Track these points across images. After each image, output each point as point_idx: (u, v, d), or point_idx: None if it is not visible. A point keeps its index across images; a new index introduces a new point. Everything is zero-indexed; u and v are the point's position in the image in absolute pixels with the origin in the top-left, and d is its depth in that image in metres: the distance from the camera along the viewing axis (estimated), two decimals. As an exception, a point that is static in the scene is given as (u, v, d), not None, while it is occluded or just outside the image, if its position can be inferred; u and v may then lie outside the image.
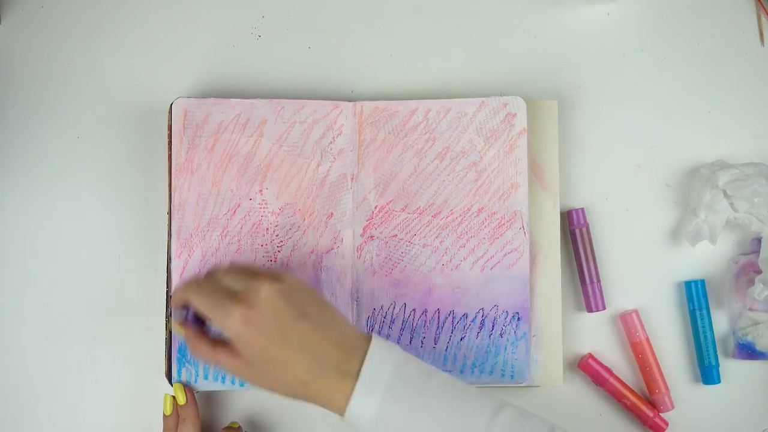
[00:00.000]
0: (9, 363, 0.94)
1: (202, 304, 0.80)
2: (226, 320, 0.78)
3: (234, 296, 0.79)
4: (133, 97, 0.97)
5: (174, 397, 0.91)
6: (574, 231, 0.95)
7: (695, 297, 0.95)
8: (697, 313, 0.95)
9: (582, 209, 0.95)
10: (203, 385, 0.91)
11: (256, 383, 0.80)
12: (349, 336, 0.80)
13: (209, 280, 0.82)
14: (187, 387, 0.91)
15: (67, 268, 0.95)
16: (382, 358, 0.78)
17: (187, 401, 0.90)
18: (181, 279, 0.92)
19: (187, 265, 0.91)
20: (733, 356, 0.96)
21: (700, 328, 0.95)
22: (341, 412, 0.78)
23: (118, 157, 0.96)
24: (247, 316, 0.78)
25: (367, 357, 0.78)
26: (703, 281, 0.96)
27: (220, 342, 0.81)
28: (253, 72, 0.97)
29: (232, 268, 0.84)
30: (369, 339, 0.79)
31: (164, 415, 0.91)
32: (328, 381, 0.78)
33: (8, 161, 0.95)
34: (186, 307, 0.85)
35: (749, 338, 0.94)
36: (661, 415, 0.95)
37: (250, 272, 0.82)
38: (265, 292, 0.78)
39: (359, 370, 0.77)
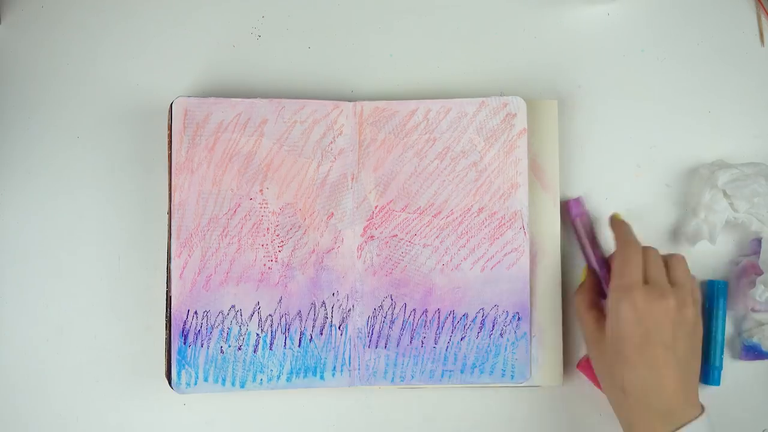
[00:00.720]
0: (8, 363, 0.94)
1: (651, 269, 0.86)
2: (630, 292, 0.83)
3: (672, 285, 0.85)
4: (133, 97, 0.97)
5: None
6: (575, 220, 0.95)
7: (715, 297, 0.95)
8: (714, 312, 0.95)
9: (579, 197, 0.95)
10: (203, 387, 0.91)
11: (598, 360, 0.87)
12: (692, 390, 0.83)
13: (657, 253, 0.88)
14: None
15: (67, 268, 0.95)
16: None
17: None
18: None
19: (187, 264, 0.91)
20: (740, 357, 0.96)
21: (713, 329, 0.95)
22: None
23: (118, 157, 0.96)
24: (668, 307, 0.82)
25: (698, 420, 0.81)
26: (725, 283, 0.96)
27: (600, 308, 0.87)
28: (253, 72, 0.97)
29: (677, 259, 0.88)
30: (701, 410, 0.83)
31: None
32: (647, 410, 0.82)
33: (8, 161, 0.95)
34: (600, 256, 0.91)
35: (755, 339, 0.94)
36: (662, 415, 0.95)
37: (689, 277, 0.87)
38: (693, 311, 0.84)
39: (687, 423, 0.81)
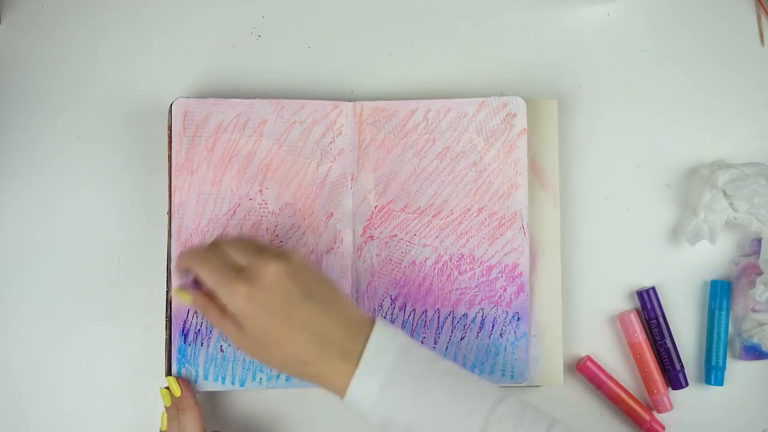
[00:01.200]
0: (8, 363, 0.94)
1: (207, 278, 0.80)
2: (231, 297, 0.78)
3: (239, 273, 0.78)
4: (133, 97, 0.97)
5: (168, 388, 0.91)
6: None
7: (718, 297, 0.96)
8: (716, 312, 0.95)
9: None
10: (203, 385, 0.91)
11: (258, 359, 0.80)
12: (353, 318, 0.79)
13: (214, 252, 0.82)
14: (181, 379, 0.91)
15: (67, 268, 0.95)
16: (386, 341, 0.77)
17: (182, 393, 0.90)
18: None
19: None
20: (740, 357, 0.96)
21: (716, 329, 0.95)
22: (341, 393, 0.77)
23: (119, 157, 0.96)
24: (253, 295, 0.77)
25: (371, 339, 0.77)
26: (728, 283, 0.96)
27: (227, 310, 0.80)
28: (253, 72, 0.97)
29: (238, 241, 0.83)
30: (373, 322, 0.79)
31: (166, 407, 0.91)
32: (329, 362, 0.77)
33: (8, 161, 0.95)
34: (188, 272, 0.85)
35: (755, 340, 0.94)
36: (661, 414, 0.95)
37: (256, 248, 0.81)
38: (272, 271, 0.78)
39: (362, 352, 0.77)
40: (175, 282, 0.87)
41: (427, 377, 0.76)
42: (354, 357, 0.77)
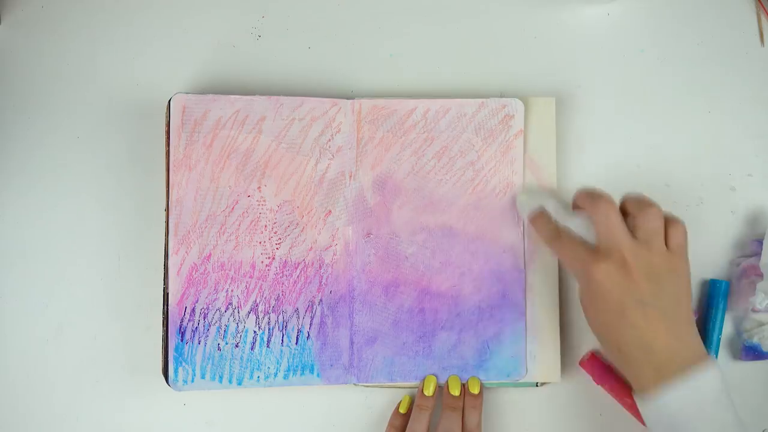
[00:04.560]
0: (8, 363, 0.95)
1: (561, 245, 0.87)
2: (590, 271, 0.83)
3: (606, 250, 0.83)
4: (133, 97, 0.97)
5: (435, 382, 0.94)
6: None
7: (716, 297, 0.96)
8: (712, 311, 0.95)
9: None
10: (200, 384, 0.91)
11: (585, 310, 0.85)
12: (689, 340, 0.82)
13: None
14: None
15: (67, 268, 0.95)
16: (711, 380, 0.80)
17: (460, 393, 0.93)
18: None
19: (185, 261, 0.91)
20: (740, 358, 0.96)
21: (711, 329, 0.95)
22: (645, 391, 0.82)
23: (119, 157, 0.96)
24: (610, 273, 0.82)
25: (704, 367, 0.80)
26: (728, 283, 0.96)
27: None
28: (253, 72, 0.97)
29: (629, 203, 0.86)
30: (706, 356, 0.82)
31: (424, 394, 0.93)
32: (645, 365, 0.81)
33: (8, 161, 0.95)
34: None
35: (755, 340, 0.94)
36: (661, 415, 0.95)
37: (652, 218, 0.84)
38: (636, 263, 0.82)
39: (688, 372, 0.80)
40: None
41: (725, 425, 0.79)
42: (675, 370, 0.80)
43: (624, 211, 0.85)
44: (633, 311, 0.81)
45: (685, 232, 0.85)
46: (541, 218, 0.90)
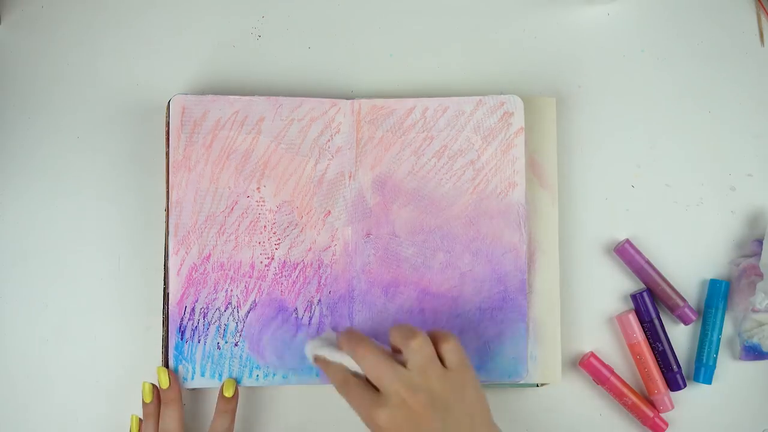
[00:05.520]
0: (8, 363, 0.94)
1: (347, 390, 0.83)
2: (371, 418, 0.80)
3: (381, 394, 0.80)
4: (134, 97, 0.97)
5: (153, 385, 0.91)
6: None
7: (716, 297, 0.96)
8: (712, 311, 0.95)
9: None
10: (199, 382, 0.91)
11: None
12: None
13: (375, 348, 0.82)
14: (171, 371, 0.91)
15: (67, 268, 0.95)
16: None
17: (170, 384, 0.90)
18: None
19: (184, 261, 0.91)
20: (740, 358, 0.96)
21: (710, 328, 0.95)
22: None
23: (119, 157, 0.96)
24: (393, 417, 0.79)
25: None
26: (727, 283, 0.96)
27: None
28: (253, 72, 0.97)
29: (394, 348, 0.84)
30: None
31: (144, 402, 0.91)
32: None
33: (8, 161, 0.95)
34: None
35: (755, 340, 0.94)
36: (662, 415, 0.94)
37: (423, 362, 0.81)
38: (416, 399, 0.79)
39: None
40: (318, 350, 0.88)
41: None
42: None
43: (394, 347, 0.83)
44: None
45: (457, 345, 0.82)
46: (329, 363, 0.86)
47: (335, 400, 0.92)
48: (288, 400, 0.95)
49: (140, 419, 0.92)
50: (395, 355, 0.82)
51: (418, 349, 0.80)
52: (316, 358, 0.87)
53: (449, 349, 0.82)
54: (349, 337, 0.84)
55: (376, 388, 0.81)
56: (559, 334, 0.93)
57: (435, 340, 0.82)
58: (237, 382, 0.91)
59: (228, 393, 0.91)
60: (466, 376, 0.82)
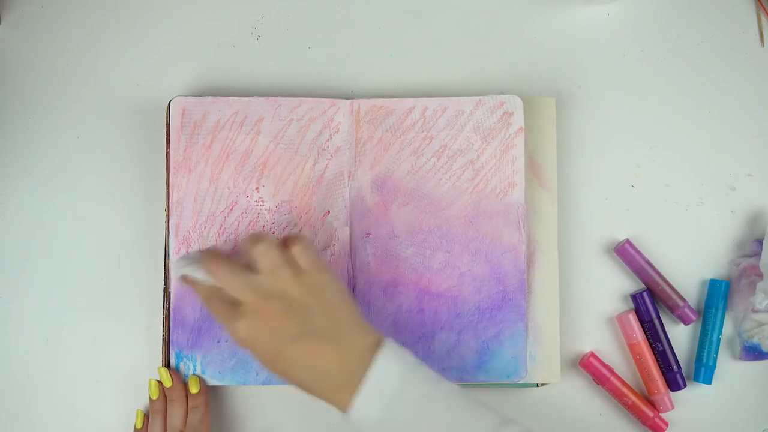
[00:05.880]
0: (8, 363, 0.95)
1: (210, 307, 0.82)
2: (231, 332, 0.79)
3: (239, 305, 0.79)
4: (134, 97, 0.97)
5: (159, 381, 0.92)
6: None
7: (716, 297, 0.96)
8: (712, 311, 0.95)
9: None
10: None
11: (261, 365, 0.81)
12: (357, 344, 0.79)
13: (220, 272, 0.81)
14: (172, 370, 0.91)
15: (67, 268, 0.95)
16: (392, 361, 0.77)
17: (173, 383, 0.91)
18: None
19: (185, 261, 0.91)
20: (740, 358, 0.96)
21: (710, 328, 0.95)
22: (344, 410, 0.77)
23: (119, 157, 0.96)
24: (251, 326, 0.78)
25: (377, 359, 0.77)
26: (727, 283, 0.96)
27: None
28: (253, 72, 0.97)
29: (239, 260, 0.83)
30: (381, 341, 0.79)
31: (151, 399, 0.92)
32: (330, 388, 0.78)
33: (8, 161, 0.96)
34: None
35: (755, 340, 0.94)
36: (662, 415, 0.94)
37: (267, 271, 0.80)
38: (269, 308, 0.78)
39: (367, 370, 0.76)
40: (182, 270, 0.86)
41: (432, 398, 0.76)
42: (359, 376, 0.76)
43: (245, 256, 0.83)
44: (290, 351, 0.78)
45: (307, 246, 0.82)
46: (195, 281, 0.85)
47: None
48: (288, 398, 0.95)
49: (146, 415, 0.93)
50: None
51: (264, 253, 0.80)
52: (183, 277, 0.86)
53: (300, 251, 0.81)
54: (209, 254, 0.83)
55: (235, 303, 0.80)
56: (558, 334, 0.93)
57: (285, 244, 0.82)
58: (234, 381, 0.92)
59: (193, 389, 0.91)
60: (321, 275, 0.81)
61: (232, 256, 0.86)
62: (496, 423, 0.76)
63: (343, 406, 0.77)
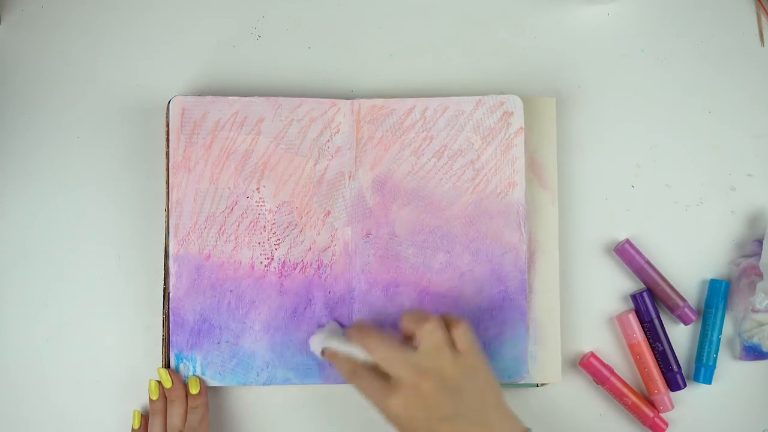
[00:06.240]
0: (8, 363, 0.95)
1: (357, 382, 0.83)
2: (384, 407, 0.81)
3: (395, 380, 0.80)
4: (133, 97, 0.97)
5: (159, 382, 0.92)
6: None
7: (716, 297, 0.96)
8: (712, 311, 0.95)
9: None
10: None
11: None
12: (504, 430, 0.81)
13: (376, 348, 0.83)
14: (172, 371, 0.91)
15: (67, 268, 0.95)
16: None
17: (173, 384, 0.91)
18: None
19: (185, 261, 0.91)
20: (740, 358, 0.96)
21: (710, 328, 0.95)
22: None
23: (119, 157, 0.96)
24: (406, 403, 0.79)
25: None
26: (727, 283, 0.96)
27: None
28: (253, 72, 0.97)
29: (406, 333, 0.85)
30: (526, 431, 0.81)
31: (151, 399, 0.92)
32: None
33: (8, 161, 0.96)
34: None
35: (755, 340, 0.94)
36: (662, 415, 0.94)
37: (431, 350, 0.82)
38: (426, 386, 0.79)
39: None
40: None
41: None
42: None
43: (406, 332, 0.84)
44: (442, 427, 0.79)
45: (468, 329, 0.83)
46: (337, 355, 0.87)
47: (336, 400, 0.93)
48: (288, 399, 0.95)
49: (143, 415, 0.93)
50: (406, 341, 0.83)
51: (431, 333, 0.81)
52: (324, 351, 0.87)
53: (461, 332, 0.82)
54: (359, 328, 0.84)
55: (386, 377, 0.81)
56: (559, 333, 0.93)
57: (446, 325, 0.83)
58: (241, 381, 0.92)
59: (193, 390, 0.91)
60: (477, 359, 0.82)
61: (383, 330, 0.87)
62: None
63: None
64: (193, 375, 0.92)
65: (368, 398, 0.82)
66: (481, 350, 0.83)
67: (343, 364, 0.85)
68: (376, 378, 0.82)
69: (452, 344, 0.82)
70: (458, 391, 0.80)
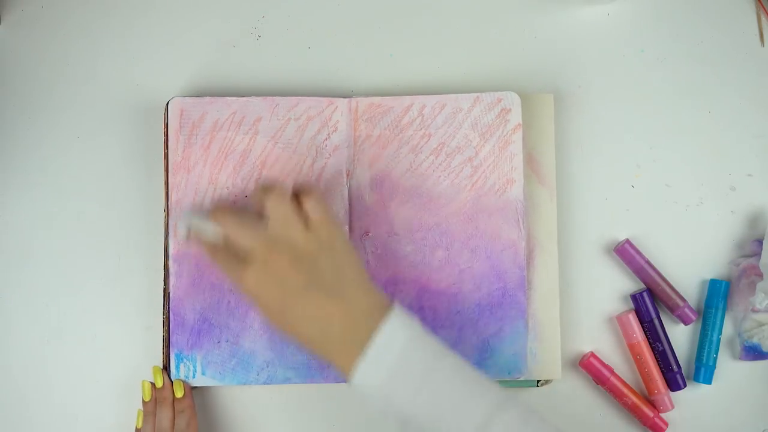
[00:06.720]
0: (8, 363, 0.95)
1: (215, 258, 0.82)
2: (238, 282, 0.79)
3: (247, 255, 0.79)
4: (134, 97, 0.97)
5: (152, 383, 0.92)
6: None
7: (716, 297, 0.95)
8: (712, 311, 0.95)
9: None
10: (201, 381, 0.92)
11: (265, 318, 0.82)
12: (366, 304, 0.79)
13: (228, 222, 0.82)
14: (164, 372, 0.92)
15: (67, 268, 0.95)
16: (398, 327, 0.76)
17: (164, 384, 0.91)
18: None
19: (185, 261, 0.91)
20: (740, 358, 0.95)
21: (710, 328, 0.95)
22: (347, 375, 0.77)
23: (119, 157, 0.96)
24: (258, 278, 0.78)
25: (384, 324, 0.76)
26: (727, 283, 0.96)
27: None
28: (253, 72, 0.97)
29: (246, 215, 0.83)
30: (389, 304, 0.79)
31: (143, 400, 0.92)
32: (335, 346, 0.78)
33: (8, 161, 0.96)
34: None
35: (755, 340, 0.94)
36: (662, 415, 0.94)
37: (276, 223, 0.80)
38: (277, 259, 0.78)
39: (373, 336, 0.76)
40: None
41: (435, 369, 0.76)
42: (363, 338, 0.76)
43: (257, 205, 0.83)
44: (295, 303, 0.78)
45: (320, 197, 0.82)
46: (200, 234, 0.85)
47: (336, 400, 0.93)
48: (288, 399, 0.95)
49: (151, 383, 0.93)
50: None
51: (276, 205, 0.80)
52: (189, 231, 0.86)
53: (312, 204, 0.81)
54: (218, 207, 0.84)
55: (242, 254, 0.80)
56: (558, 330, 0.93)
57: (297, 195, 0.82)
58: (235, 382, 0.92)
59: (178, 393, 0.91)
60: (331, 231, 0.81)
61: (241, 207, 0.87)
62: (498, 400, 0.75)
63: (346, 369, 0.77)
64: (177, 378, 0.92)
65: (226, 275, 0.81)
66: (336, 221, 0.82)
67: (205, 243, 0.84)
68: (232, 255, 0.80)
69: (304, 215, 0.80)
70: (312, 265, 0.79)
